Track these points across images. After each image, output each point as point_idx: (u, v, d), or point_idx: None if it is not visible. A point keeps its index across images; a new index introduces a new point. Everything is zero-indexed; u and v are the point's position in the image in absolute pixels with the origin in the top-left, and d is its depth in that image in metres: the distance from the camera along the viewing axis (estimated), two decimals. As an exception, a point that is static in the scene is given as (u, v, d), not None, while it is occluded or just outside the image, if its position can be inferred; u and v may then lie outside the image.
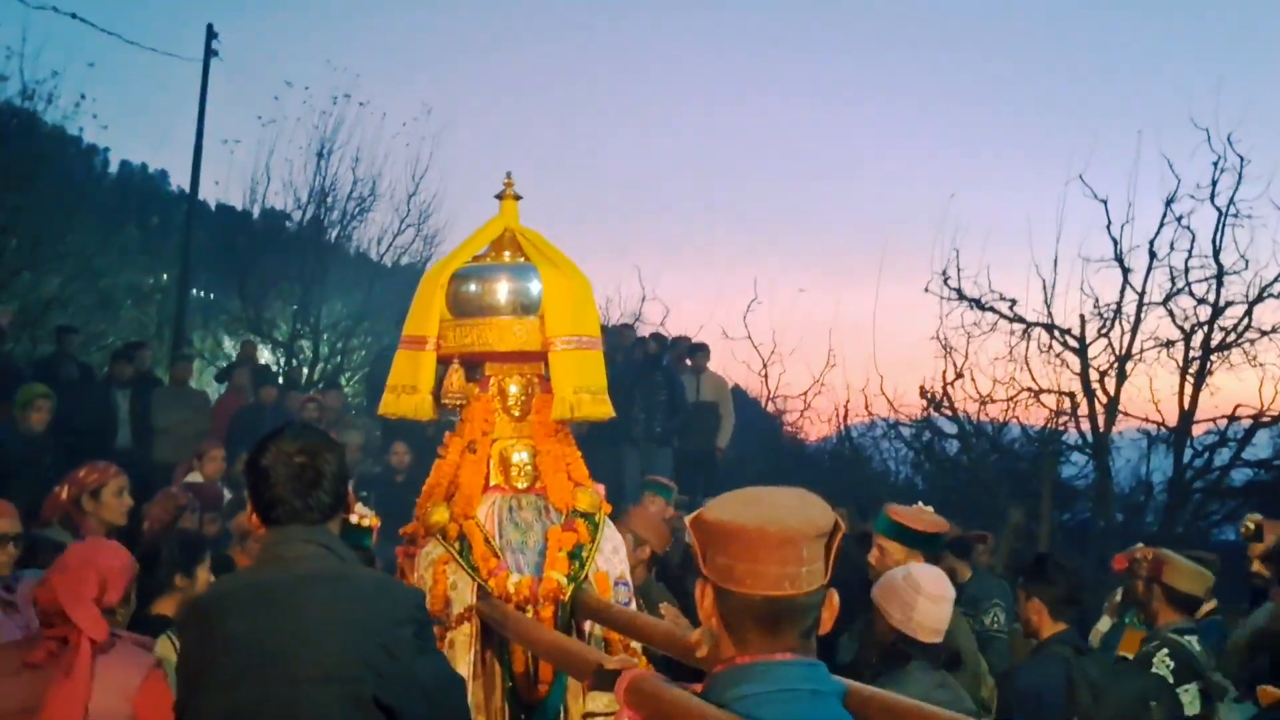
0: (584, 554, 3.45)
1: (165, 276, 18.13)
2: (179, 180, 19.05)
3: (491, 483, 3.51)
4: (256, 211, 15.67)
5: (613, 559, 3.58)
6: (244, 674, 2.32)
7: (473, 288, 3.46)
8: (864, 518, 8.30)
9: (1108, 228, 10.66)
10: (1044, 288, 10.92)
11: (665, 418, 9.33)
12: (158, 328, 15.81)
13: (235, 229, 15.95)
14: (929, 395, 11.21)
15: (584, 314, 3.48)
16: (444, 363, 3.53)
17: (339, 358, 14.84)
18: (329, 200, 15.04)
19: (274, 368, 12.89)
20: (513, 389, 3.55)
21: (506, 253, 3.54)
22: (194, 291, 16.82)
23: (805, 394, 13.59)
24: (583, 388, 3.44)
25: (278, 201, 15.41)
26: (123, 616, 3.20)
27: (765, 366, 13.64)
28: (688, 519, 1.76)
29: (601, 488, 3.67)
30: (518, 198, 3.59)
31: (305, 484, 2.46)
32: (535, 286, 3.45)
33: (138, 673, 2.99)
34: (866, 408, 11.99)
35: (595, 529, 3.52)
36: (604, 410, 3.51)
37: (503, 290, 3.44)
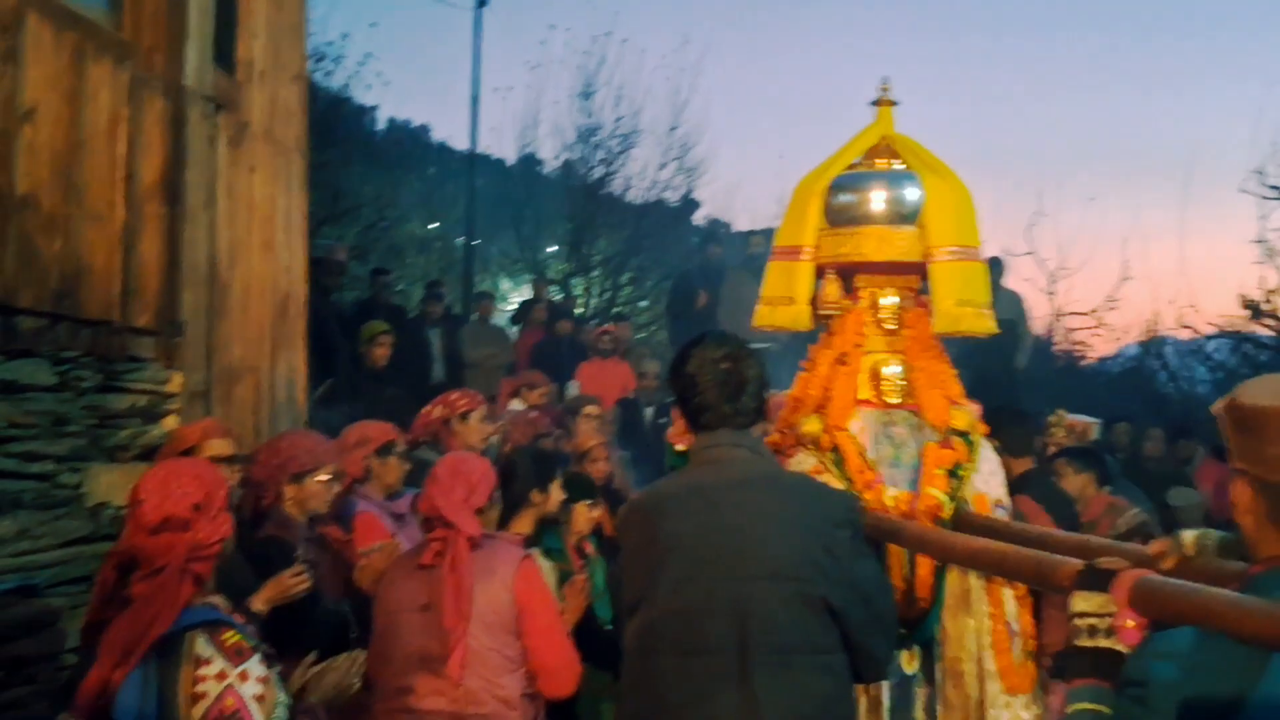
0: (962, 473, 3.34)
1: (434, 225, 19.14)
2: (442, 133, 19.98)
3: (861, 397, 3.44)
4: (526, 155, 16.25)
5: (991, 480, 3.45)
6: (693, 571, 2.40)
7: (848, 197, 3.38)
8: (1174, 439, 7.77)
9: None
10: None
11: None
12: (441, 273, 16.72)
13: (507, 174, 16.60)
14: (1250, 304, 10.28)
15: (967, 223, 3.35)
16: (817, 274, 3.47)
17: (610, 293, 15.23)
18: (594, 140, 15.35)
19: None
20: (885, 301, 3.45)
21: (881, 160, 3.44)
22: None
23: (1096, 310, 12.81)
24: (966, 300, 3.31)
25: (546, 145, 15.88)
26: (492, 517, 3.44)
27: (1053, 283, 12.93)
28: (1218, 406, 1.63)
29: (977, 407, 3.55)
30: (894, 104, 3.47)
31: (731, 389, 2.52)
32: (914, 194, 3.33)
33: (512, 562, 3.21)
34: (1181, 321, 11.18)
35: (973, 448, 3.39)
36: (987, 325, 3.38)
37: (879, 198, 3.35)
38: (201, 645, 2.25)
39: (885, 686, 3.19)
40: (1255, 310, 10.38)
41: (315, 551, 3.66)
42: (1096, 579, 1.84)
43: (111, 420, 3.59)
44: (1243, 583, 1.58)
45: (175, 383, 4.00)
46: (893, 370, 3.46)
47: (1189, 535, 2.37)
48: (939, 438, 3.38)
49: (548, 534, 4.10)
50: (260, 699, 2.27)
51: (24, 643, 2.99)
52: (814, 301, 3.48)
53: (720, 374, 2.53)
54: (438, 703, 3.11)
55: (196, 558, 2.30)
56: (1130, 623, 1.70)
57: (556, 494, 4.03)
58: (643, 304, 15.44)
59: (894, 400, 3.45)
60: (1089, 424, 6.43)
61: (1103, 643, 1.76)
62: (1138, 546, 2.63)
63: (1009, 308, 9.85)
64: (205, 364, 4.37)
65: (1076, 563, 1.95)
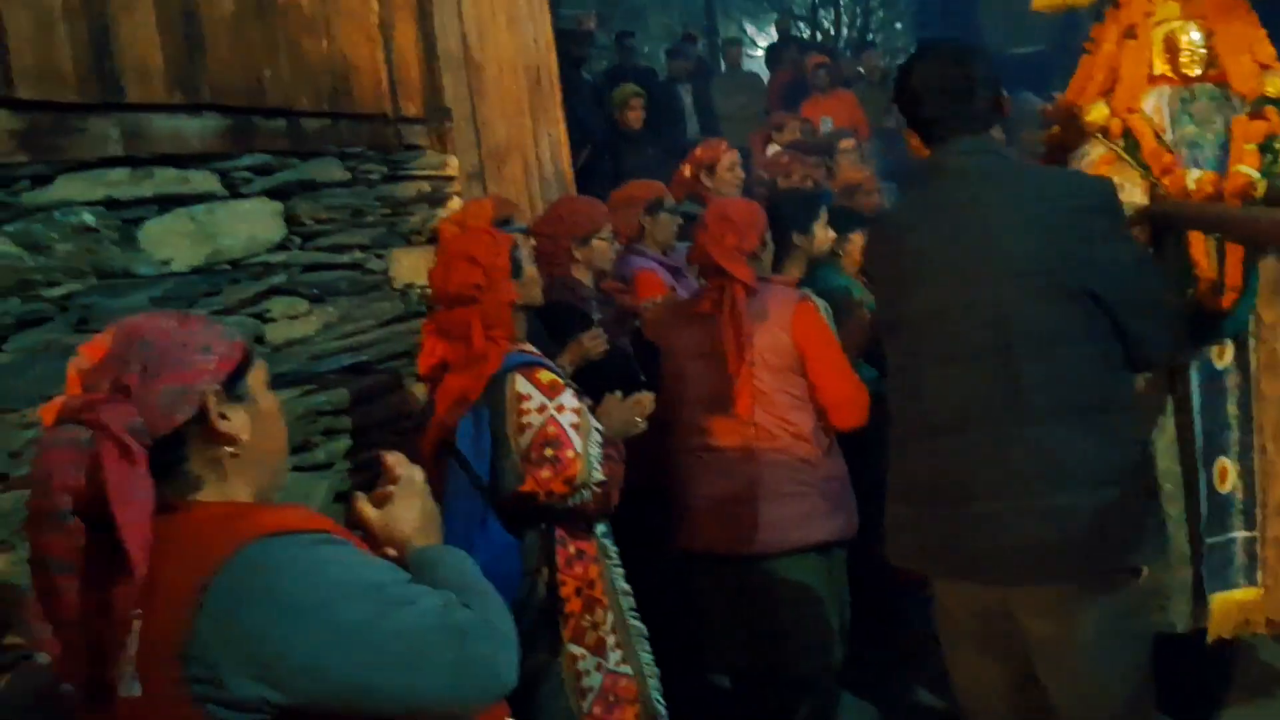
0: (1277, 145, 2.99)
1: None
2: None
3: (1156, 72, 3.13)
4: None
5: (1316, 149, 3.11)
6: (939, 279, 2.38)
7: None
8: None
9: None
10: None
11: None
12: (684, 27, 16.32)
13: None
14: None
15: None
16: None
17: (862, 19, 14.44)
18: None
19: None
20: (1178, -40, 3.06)
21: None
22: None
23: None
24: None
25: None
26: (766, 261, 3.45)
27: None
28: None
29: None
30: None
31: (958, 95, 2.40)
32: None
33: (788, 306, 3.24)
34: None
35: (1290, 115, 3.02)
36: None
37: None
38: (520, 384, 2.57)
39: (1194, 381, 3.04)
40: None
41: (603, 309, 3.82)
42: None
43: (402, 208, 3.83)
44: None
45: (452, 166, 4.19)
46: (1191, 38, 3.11)
47: None
48: (1248, 109, 3.05)
49: (825, 271, 4.05)
50: (576, 426, 2.56)
51: (373, 406, 3.38)
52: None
53: (944, 81, 2.41)
54: (732, 440, 3.26)
55: (494, 320, 2.61)
56: None
57: (822, 233, 3.95)
58: (898, 26, 14.54)
59: (1194, 72, 3.12)
60: None
61: None
62: None
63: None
64: (474, 146, 4.54)
65: None
